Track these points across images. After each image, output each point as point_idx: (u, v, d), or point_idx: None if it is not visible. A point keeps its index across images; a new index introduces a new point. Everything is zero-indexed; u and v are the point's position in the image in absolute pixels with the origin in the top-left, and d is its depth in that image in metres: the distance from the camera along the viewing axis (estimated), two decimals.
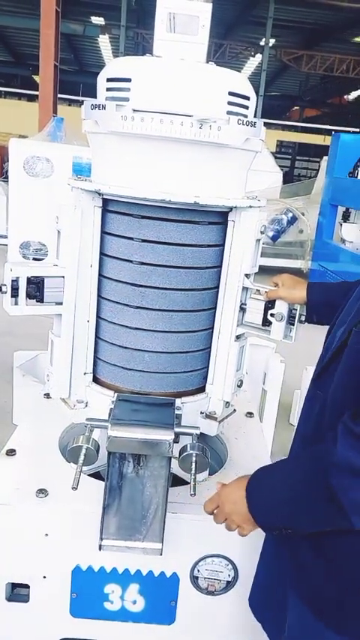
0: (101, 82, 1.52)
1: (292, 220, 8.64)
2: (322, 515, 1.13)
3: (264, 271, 1.91)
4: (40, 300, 1.61)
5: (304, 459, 1.22)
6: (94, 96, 1.57)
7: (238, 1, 17.65)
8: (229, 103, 1.45)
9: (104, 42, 22.96)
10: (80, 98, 22.30)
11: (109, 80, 1.49)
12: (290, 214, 8.61)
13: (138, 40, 20.98)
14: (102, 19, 20.68)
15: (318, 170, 11.24)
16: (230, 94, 1.45)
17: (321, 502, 1.11)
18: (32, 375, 2.88)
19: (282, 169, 9.35)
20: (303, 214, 8.56)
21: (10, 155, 2.89)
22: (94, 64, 27.80)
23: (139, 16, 19.97)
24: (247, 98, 1.50)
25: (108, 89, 1.49)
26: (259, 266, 1.76)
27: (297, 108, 28.38)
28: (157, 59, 1.48)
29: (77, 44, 25.03)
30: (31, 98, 20.65)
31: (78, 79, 25.67)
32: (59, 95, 13.08)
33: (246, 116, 1.49)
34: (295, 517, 1.17)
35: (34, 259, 3.58)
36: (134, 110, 1.41)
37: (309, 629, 1.29)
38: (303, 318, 1.68)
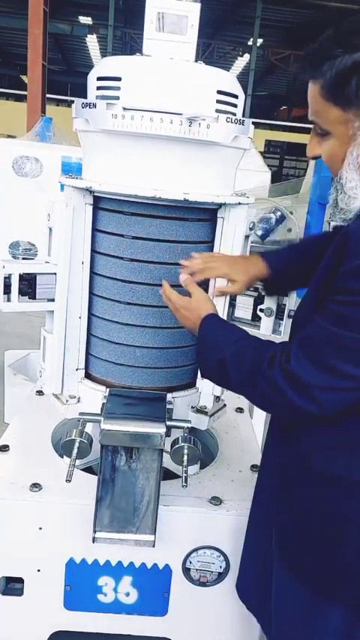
0: (91, 81, 1.54)
1: (281, 219, 8.65)
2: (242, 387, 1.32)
3: None
4: (33, 296, 1.62)
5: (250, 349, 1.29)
6: (82, 96, 1.58)
7: (226, 0, 17.70)
8: (218, 102, 1.47)
9: (92, 42, 22.93)
10: (68, 98, 22.26)
11: (99, 79, 1.51)
12: (279, 213, 8.62)
13: (126, 40, 20.99)
14: (90, 18, 20.68)
15: (306, 169, 11.27)
16: (219, 92, 1.47)
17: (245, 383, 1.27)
18: (23, 373, 2.89)
19: (270, 169, 9.38)
20: (291, 213, 8.59)
21: None
22: (82, 63, 27.74)
23: (127, 15, 19.98)
24: (236, 97, 1.53)
25: (98, 88, 1.51)
26: None
27: (285, 107, 28.46)
28: (146, 58, 1.50)
29: (65, 44, 24.98)
30: (19, 98, 20.58)
31: (66, 78, 25.66)
32: (47, 95, 13.07)
33: (234, 114, 1.52)
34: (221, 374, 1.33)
35: (24, 259, 3.59)
36: (124, 108, 1.43)
37: (293, 595, 1.32)
38: (292, 313, 1.71)
